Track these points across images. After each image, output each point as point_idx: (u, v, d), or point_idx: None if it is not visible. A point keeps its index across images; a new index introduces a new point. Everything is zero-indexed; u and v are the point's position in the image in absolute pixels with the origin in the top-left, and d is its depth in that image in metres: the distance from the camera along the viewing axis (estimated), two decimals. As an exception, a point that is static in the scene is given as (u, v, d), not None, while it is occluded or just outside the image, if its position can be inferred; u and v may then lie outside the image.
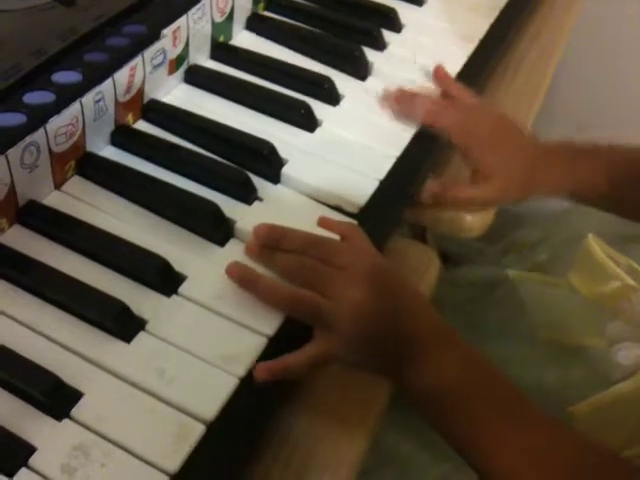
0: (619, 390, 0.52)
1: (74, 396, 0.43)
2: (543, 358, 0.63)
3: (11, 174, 0.50)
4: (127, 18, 0.61)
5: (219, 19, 0.69)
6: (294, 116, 0.64)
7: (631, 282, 0.57)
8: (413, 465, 0.61)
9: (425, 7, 0.82)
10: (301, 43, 0.72)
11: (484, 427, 0.45)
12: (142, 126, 0.62)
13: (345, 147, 0.62)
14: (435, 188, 0.63)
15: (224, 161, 0.59)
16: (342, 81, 0.69)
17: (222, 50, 0.70)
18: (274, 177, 0.59)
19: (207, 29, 0.67)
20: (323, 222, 0.54)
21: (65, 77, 0.55)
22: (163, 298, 0.49)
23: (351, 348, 0.47)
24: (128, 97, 0.59)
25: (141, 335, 0.47)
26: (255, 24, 0.74)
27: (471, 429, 0.46)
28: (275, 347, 0.47)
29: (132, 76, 0.59)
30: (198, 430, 0.42)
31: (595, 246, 0.60)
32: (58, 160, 0.54)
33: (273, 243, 0.51)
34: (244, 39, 0.73)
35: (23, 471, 0.40)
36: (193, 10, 0.64)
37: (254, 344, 0.47)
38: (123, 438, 0.42)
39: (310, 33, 0.74)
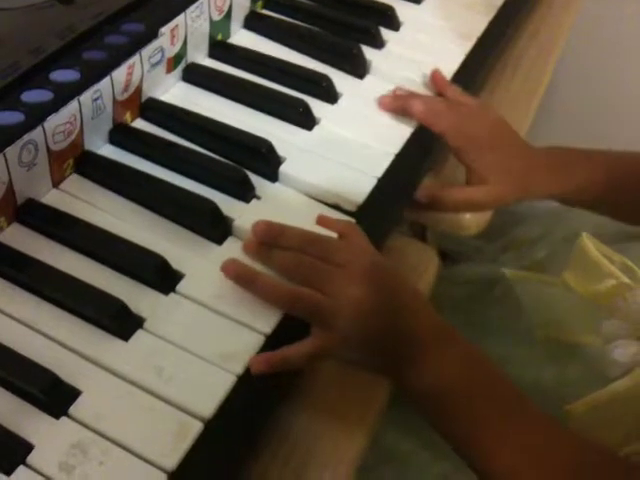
0: (615, 388, 0.52)
1: (72, 394, 0.43)
2: (540, 356, 0.63)
3: (9, 172, 0.50)
4: (125, 16, 0.61)
5: (217, 17, 0.69)
6: (292, 114, 0.64)
7: (626, 280, 0.57)
8: (413, 463, 0.61)
9: (423, 5, 0.82)
10: (299, 41, 0.72)
11: (484, 426, 0.45)
12: (140, 124, 0.62)
13: (343, 145, 0.63)
14: (431, 189, 0.63)
15: (222, 159, 0.59)
16: (340, 79, 0.69)
17: (220, 48, 0.70)
18: (272, 175, 0.59)
19: (205, 27, 0.67)
20: (321, 220, 0.54)
21: (63, 75, 0.55)
22: (161, 296, 0.49)
23: (350, 346, 0.47)
24: (126, 95, 0.59)
25: (139, 333, 0.47)
26: (253, 22, 0.74)
27: (471, 428, 0.46)
28: (273, 345, 0.47)
29: (130, 74, 0.59)
30: (196, 428, 0.42)
31: (589, 245, 0.60)
32: (56, 158, 0.54)
33: (271, 240, 0.51)
34: (242, 37, 0.73)
35: (21, 469, 0.40)
36: (191, 8, 0.64)
37: (252, 342, 0.47)
38: (121, 436, 0.42)
39: (308, 31, 0.74)
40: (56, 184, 0.55)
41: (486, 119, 0.66)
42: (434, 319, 0.49)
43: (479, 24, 0.80)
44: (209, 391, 0.44)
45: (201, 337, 0.47)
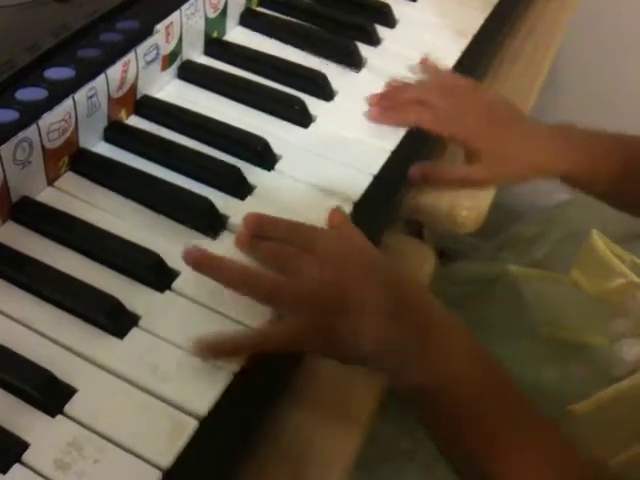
0: (620, 387, 0.51)
1: (67, 392, 0.43)
2: (542, 355, 0.62)
3: (4, 170, 0.50)
4: (120, 14, 0.61)
5: (212, 15, 0.69)
6: (288, 112, 0.64)
7: (636, 279, 0.57)
8: (413, 461, 0.61)
9: (419, 2, 0.82)
10: (295, 39, 0.72)
11: (484, 426, 0.44)
12: (135, 122, 0.62)
13: (339, 143, 0.62)
14: (424, 166, 0.61)
15: (217, 157, 0.59)
16: (336, 77, 0.68)
17: (216, 46, 0.70)
18: (268, 173, 0.59)
19: (200, 25, 0.67)
20: (332, 216, 0.52)
21: (58, 73, 0.55)
22: (156, 294, 0.49)
23: (321, 336, 0.45)
24: (121, 93, 0.59)
25: (134, 331, 0.47)
26: (249, 20, 0.74)
27: (470, 427, 0.44)
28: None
29: (125, 72, 0.58)
30: (191, 426, 0.42)
31: (599, 242, 0.60)
32: (51, 156, 0.54)
33: (259, 232, 0.49)
34: (238, 35, 0.73)
35: (16, 467, 0.40)
36: (186, 6, 0.64)
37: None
38: (116, 434, 0.42)
39: (304, 29, 0.74)
40: (51, 182, 0.55)
41: (482, 98, 0.64)
42: (437, 312, 0.46)
43: (475, 21, 0.80)
44: (204, 389, 0.44)
45: (196, 335, 0.47)
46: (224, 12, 0.70)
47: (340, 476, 0.48)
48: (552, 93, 0.99)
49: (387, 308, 0.45)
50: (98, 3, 0.61)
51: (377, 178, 0.60)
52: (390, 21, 0.77)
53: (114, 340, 0.46)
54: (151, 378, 0.44)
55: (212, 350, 0.45)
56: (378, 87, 0.68)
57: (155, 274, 0.50)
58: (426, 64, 0.68)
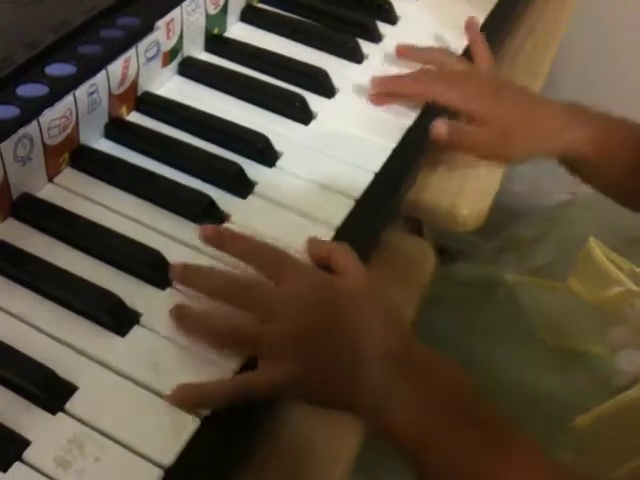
0: (621, 399, 0.51)
1: (68, 389, 0.43)
2: (543, 363, 0.62)
3: (4, 167, 0.50)
4: (120, 10, 0.61)
5: (213, 11, 0.68)
6: (289, 109, 0.64)
7: (634, 287, 0.56)
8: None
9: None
10: (296, 35, 0.72)
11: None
12: (136, 118, 0.61)
13: (340, 140, 0.62)
14: (452, 126, 0.60)
15: (218, 154, 0.59)
16: (337, 73, 0.68)
17: (216, 42, 0.70)
18: (269, 170, 0.58)
19: (201, 21, 0.67)
20: (312, 244, 0.50)
21: (59, 69, 0.54)
22: (157, 291, 0.49)
23: (301, 381, 0.43)
24: (122, 89, 0.59)
25: (135, 328, 0.46)
26: (249, 16, 0.73)
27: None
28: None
29: (126, 68, 0.58)
30: (193, 424, 0.42)
31: (597, 250, 0.59)
32: (51, 153, 0.54)
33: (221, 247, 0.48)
34: (238, 31, 0.72)
35: (17, 465, 0.40)
36: (187, 2, 0.63)
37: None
38: (117, 432, 0.41)
39: (305, 25, 0.74)
40: (52, 179, 0.55)
41: (483, 75, 0.64)
42: (411, 350, 0.44)
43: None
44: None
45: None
46: (225, 8, 0.70)
47: (340, 478, 0.48)
48: (551, 92, 0.99)
49: (373, 350, 0.43)
50: (98, -1, 0.61)
51: (378, 175, 0.60)
52: (391, 18, 0.77)
53: (115, 338, 0.46)
54: (152, 376, 0.44)
55: (192, 400, 0.43)
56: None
57: (156, 271, 0.49)
58: (472, 24, 0.68)
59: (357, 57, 0.71)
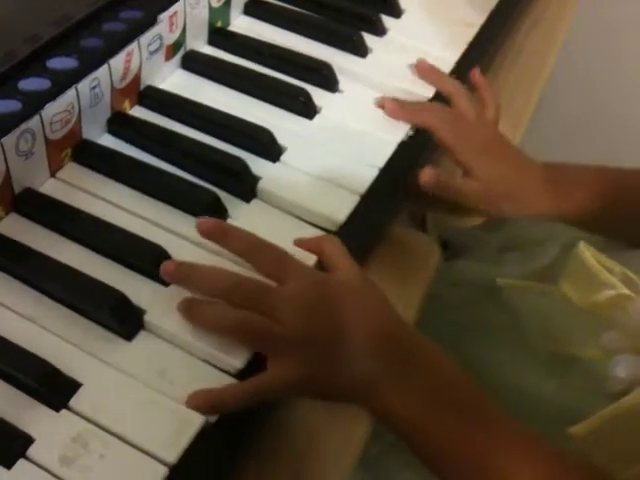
0: (620, 405, 0.50)
1: (72, 386, 0.43)
2: (540, 367, 0.62)
3: (6, 162, 0.49)
4: (123, 3, 0.60)
5: (216, 4, 0.68)
6: (293, 103, 0.63)
7: (625, 291, 0.56)
8: (416, 458, 0.61)
9: (425, -8, 0.81)
10: (300, 28, 0.71)
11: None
12: (138, 112, 0.61)
13: (345, 134, 0.62)
14: (439, 175, 0.61)
15: (222, 148, 0.58)
16: (341, 67, 0.68)
17: (220, 36, 0.69)
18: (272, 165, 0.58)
19: (204, 14, 0.66)
20: (298, 243, 0.51)
21: (60, 63, 0.54)
22: (161, 287, 0.48)
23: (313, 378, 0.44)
24: (124, 83, 0.59)
25: (139, 324, 0.46)
26: (253, 9, 0.73)
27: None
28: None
29: (128, 62, 0.58)
30: (197, 421, 0.42)
31: (587, 254, 0.59)
32: (54, 147, 0.53)
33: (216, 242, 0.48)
34: (242, 24, 0.72)
35: (21, 462, 0.40)
36: (190, -5, 0.63)
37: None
38: (122, 429, 0.41)
39: (309, 18, 0.73)
40: (54, 173, 0.55)
41: (484, 127, 0.64)
42: (410, 341, 0.46)
43: (481, 13, 0.79)
44: (210, 385, 0.43)
45: (202, 329, 0.46)
46: (228, 1, 0.69)
47: (343, 473, 0.48)
48: (554, 88, 0.99)
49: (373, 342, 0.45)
50: (101, -8, 0.60)
51: (383, 170, 0.59)
52: (396, 11, 0.76)
53: (118, 335, 0.45)
54: (156, 374, 0.44)
55: (212, 406, 0.43)
56: (383, 78, 0.68)
57: (159, 267, 0.49)
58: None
59: (362, 51, 0.70)
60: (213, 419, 0.43)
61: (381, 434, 0.53)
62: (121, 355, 0.45)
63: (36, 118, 0.50)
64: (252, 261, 0.47)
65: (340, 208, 0.55)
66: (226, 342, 0.45)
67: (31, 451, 0.40)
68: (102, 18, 0.59)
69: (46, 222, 0.51)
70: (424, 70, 0.68)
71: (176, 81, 0.64)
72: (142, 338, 0.46)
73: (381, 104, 0.64)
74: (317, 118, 0.63)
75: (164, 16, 0.60)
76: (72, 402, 0.42)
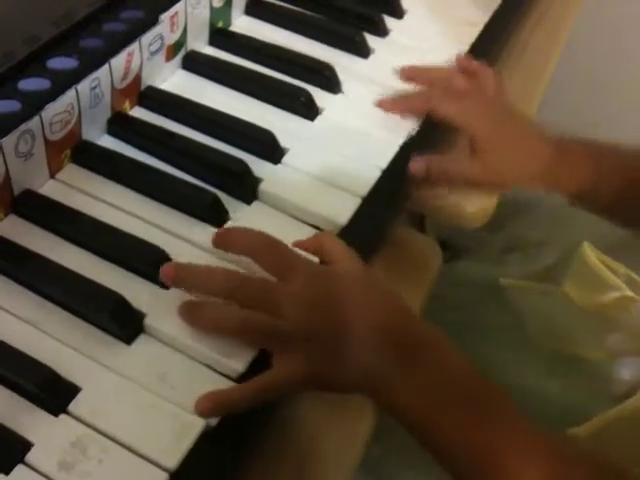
0: (624, 407, 0.50)
1: (71, 391, 0.42)
2: (543, 367, 0.61)
3: (6, 163, 0.49)
4: (124, 3, 0.60)
5: (217, 4, 0.67)
6: (294, 104, 0.63)
7: (629, 293, 0.56)
8: (419, 458, 0.60)
9: (427, -8, 0.81)
10: (301, 29, 0.71)
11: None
12: (139, 113, 0.60)
13: (347, 135, 0.61)
14: (430, 161, 0.59)
15: (223, 150, 0.58)
16: (343, 68, 0.67)
17: (221, 36, 0.69)
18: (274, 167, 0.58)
19: (205, 14, 0.66)
20: (297, 245, 0.50)
21: (60, 63, 0.54)
22: (161, 290, 0.48)
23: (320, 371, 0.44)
24: (125, 84, 0.58)
25: (138, 327, 0.46)
26: (254, 9, 0.72)
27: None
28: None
29: (129, 62, 0.57)
30: (197, 426, 0.42)
31: (591, 255, 0.59)
32: (53, 148, 0.53)
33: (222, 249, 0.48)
34: (243, 24, 0.71)
35: (20, 468, 0.39)
36: (191, -5, 0.62)
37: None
38: (121, 434, 0.41)
39: (310, 18, 0.73)
40: (53, 175, 0.54)
41: (494, 101, 0.63)
42: (416, 332, 0.45)
43: (484, 12, 0.79)
44: (210, 389, 0.43)
45: (202, 332, 0.46)
46: (229, 1, 0.69)
47: (345, 474, 0.48)
48: (559, 85, 0.98)
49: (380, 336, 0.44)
50: (101, -8, 0.60)
51: (386, 172, 0.59)
52: (398, 11, 0.76)
53: (118, 338, 0.45)
54: (156, 378, 0.43)
55: (219, 406, 0.42)
56: (386, 78, 0.67)
57: (159, 269, 0.48)
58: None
59: (363, 51, 0.70)
60: (214, 422, 0.42)
61: (383, 435, 0.52)
62: (121, 359, 0.44)
63: (36, 119, 0.50)
64: (256, 258, 0.47)
65: (342, 210, 0.55)
66: (227, 346, 0.45)
67: (30, 456, 0.40)
68: (103, 18, 0.58)
69: (45, 224, 0.51)
70: (410, 72, 0.66)
71: (177, 81, 0.64)
72: (142, 342, 0.45)
73: (379, 104, 0.63)
74: (319, 119, 0.63)
75: (165, 16, 0.60)
76: (71, 407, 0.42)
